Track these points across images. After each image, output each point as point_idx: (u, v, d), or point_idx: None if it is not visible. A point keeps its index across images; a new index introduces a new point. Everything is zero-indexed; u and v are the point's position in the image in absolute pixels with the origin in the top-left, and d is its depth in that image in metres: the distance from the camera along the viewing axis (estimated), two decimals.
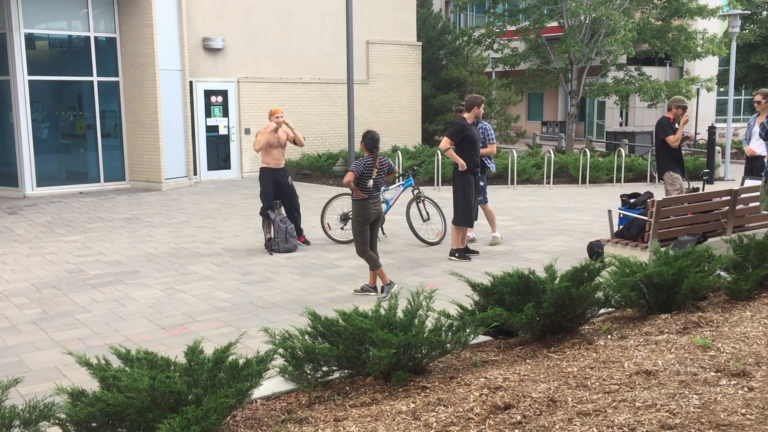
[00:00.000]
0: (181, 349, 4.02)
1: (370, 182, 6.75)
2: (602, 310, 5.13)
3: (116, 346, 3.65)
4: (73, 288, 7.28)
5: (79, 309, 6.54)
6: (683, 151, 9.59)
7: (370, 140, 6.79)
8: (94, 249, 9.19)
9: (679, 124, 8.47)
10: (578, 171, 16.50)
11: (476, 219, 8.60)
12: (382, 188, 7.17)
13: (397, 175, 9.14)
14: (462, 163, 8.22)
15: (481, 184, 8.96)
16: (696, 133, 27.42)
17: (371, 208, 6.77)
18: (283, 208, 9.13)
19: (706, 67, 26.10)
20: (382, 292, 6.83)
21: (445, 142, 8.35)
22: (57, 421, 3.26)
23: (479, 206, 8.86)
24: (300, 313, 5.98)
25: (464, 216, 8.32)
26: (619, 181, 16.58)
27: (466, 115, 8.38)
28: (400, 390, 3.86)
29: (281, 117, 9.11)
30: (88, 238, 9.96)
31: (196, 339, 3.79)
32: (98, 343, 5.56)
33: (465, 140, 8.24)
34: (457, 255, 8.38)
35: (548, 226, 10.58)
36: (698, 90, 22.75)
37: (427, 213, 9.42)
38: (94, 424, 3.22)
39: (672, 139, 8.40)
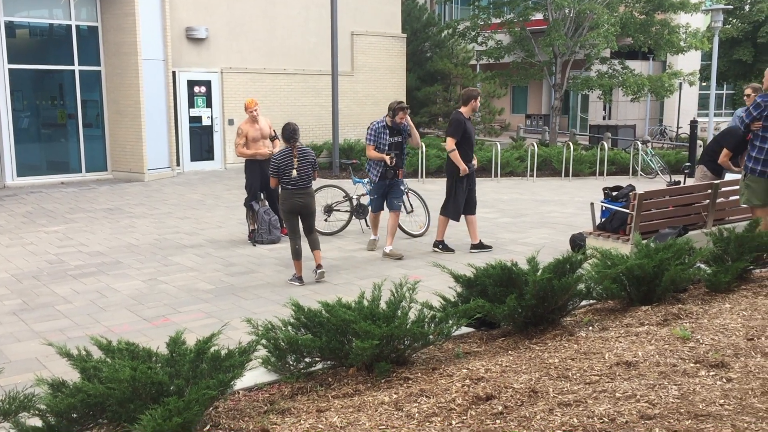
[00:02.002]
0: (163, 340, 4.00)
1: (294, 173, 6.92)
2: (584, 302, 5.16)
3: (97, 337, 3.62)
4: (54, 279, 7.22)
5: (59, 300, 6.48)
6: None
7: (289, 132, 7.00)
8: (76, 240, 9.12)
9: None
10: (561, 164, 16.58)
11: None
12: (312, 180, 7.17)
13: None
14: (464, 169, 8.18)
15: None
16: (678, 127, 27.65)
17: (295, 199, 6.96)
18: (266, 200, 9.10)
19: (688, 62, 26.30)
20: (299, 281, 7.02)
21: (450, 143, 8.17)
22: (37, 412, 3.23)
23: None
24: (283, 304, 5.98)
25: (454, 209, 8.31)
26: (602, 174, 16.69)
27: (462, 108, 8.32)
28: (383, 381, 3.87)
29: (255, 111, 8.94)
30: (69, 228, 9.87)
31: (178, 330, 3.77)
32: (79, 334, 5.52)
33: (462, 136, 8.19)
34: (440, 246, 8.39)
35: (531, 218, 10.64)
36: (681, 84, 22.92)
37: (411, 205, 9.43)
38: (75, 415, 3.19)
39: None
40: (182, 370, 3.39)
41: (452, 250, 8.38)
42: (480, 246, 8.40)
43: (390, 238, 8.26)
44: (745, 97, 8.60)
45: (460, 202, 8.32)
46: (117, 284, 7.00)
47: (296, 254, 7.03)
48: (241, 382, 3.90)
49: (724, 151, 7.91)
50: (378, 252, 8.41)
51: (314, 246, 7.26)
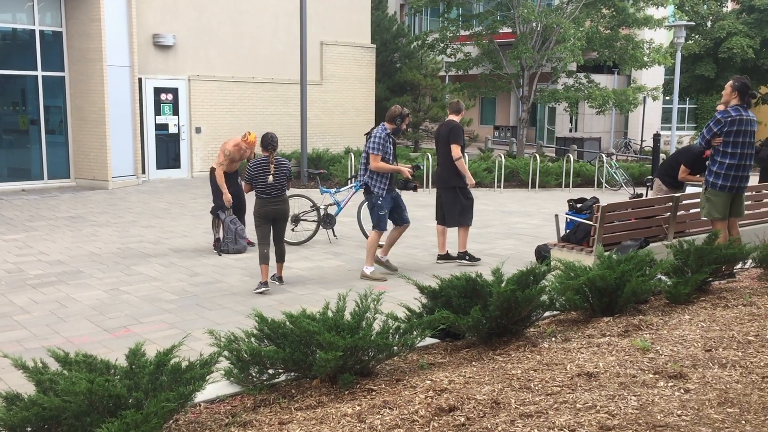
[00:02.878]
0: (123, 351, 3.93)
1: (270, 178, 6.99)
2: (547, 313, 5.21)
3: (54, 349, 3.55)
4: (12, 288, 7.06)
5: (17, 310, 6.34)
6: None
7: (267, 140, 7.13)
8: (36, 248, 8.93)
9: None
10: (528, 175, 16.76)
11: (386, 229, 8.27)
12: (285, 188, 7.23)
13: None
14: (471, 180, 8.14)
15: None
16: (642, 140, 28.15)
17: (269, 206, 7.05)
18: (232, 209, 9.03)
19: (652, 76, 26.83)
20: (263, 286, 6.99)
21: (457, 149, 8.02)
22: None
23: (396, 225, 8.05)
24: (247, 315, 5.92)
25: (469, 216, 8.26)
26: (567, 186, 16.91)
27: (456, 117, 8.31)
28: (347, 393, 3.85)
29: (252, 150, 8.85)
30: (29, 236, 9.67)
31: (138, 341, 3.71)
32: (37, 345, 5.40)
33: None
34: (467, 257, 8.35)
35: (498, 229, 10.72)
36: (645, 98, 23.36)
37: None
38: (29, 429, 3.12)
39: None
40: (141, 383, 3.33)
41: (478, 259, 8.31)
42: (447, 257, 8.42)
43: (370, 258, 7.69)
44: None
45: (470, 208, 8.25)
46: (77, 294, 6.87)
47: (264, 258, 7.07)
48: (203, 395, 3.85)
49: (682, 168, 8.18)
50: (344, 262, 8.38)
51: (280, 258, 7.31)
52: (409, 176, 7.82)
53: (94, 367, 3.39)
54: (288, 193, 7.58)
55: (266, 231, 7.15)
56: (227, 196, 8.65)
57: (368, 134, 7.73)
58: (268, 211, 7.08)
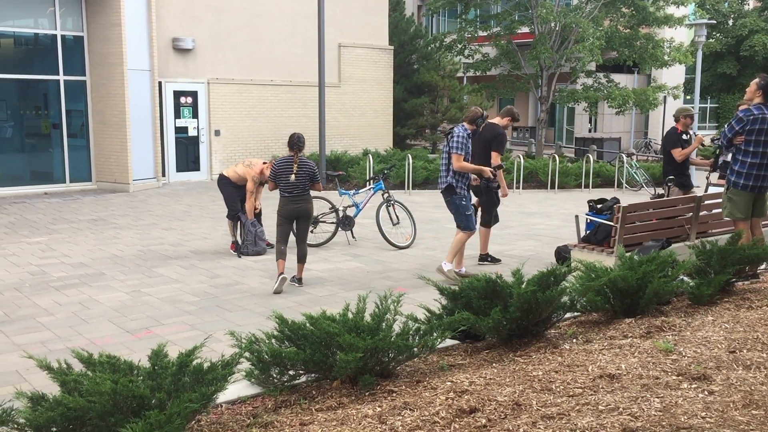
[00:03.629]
0: (145, 352, 3.97)
1: (292, 177, 7.10)
2: (568, 314, 5.18)
3: (78, 350, 3.59)
4: (36, 290, 7.15)
5: (41, 312, 6.42)
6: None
7: (293, 140, 7.24)
8: (59, 251, 9.04)
9: (687, 134, 8.52)
10: (547, 176, 16.67)
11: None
12: (306, 188, 7.29)
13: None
14: (505, 191, 8.25)
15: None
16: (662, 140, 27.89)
17: (290, 205, 7.19)
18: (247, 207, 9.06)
19: (673, 75, 26.58)
20: (288, 280, 7.27)
21: (498, 157, 8.11)
22: (16, 426, 3.19)
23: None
24: (267, 317, 5.94)
25: (493, 216, 8.34)
26: (587, 186, 16.80)
27: (503, 122, 8.29)
28: (367, 394, 3.85)
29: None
30: (52, 239, 9.79)
31: (161, 342, 3.74)
32: (60, 346, 5.46)
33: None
34: (489, 259, 8.38)
35: (517, 230, 10.67)
36: (665, 98, 23.15)
37: (397, 217, 9.44)
38: (54, 429, 3.16)
39: (677, 153, 8.43)
40: (164, 383, 3.36)
41: (499, 260, 8.39)
42: (488, 258, 8.44)
43: (453, 255, 7.62)
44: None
45: (492, 210, 8.34)
46: (100, 296, 6.94)
47: (280, 254, 7.24)
48: (224, 395, 3.87)
49: (675, 152, 8.32)
50: (364, 264, 8.40)
51: (301, 259, 7.38)
52: (491, 176, 7.75)
53: (117, 368, 3.43)
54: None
55: (286, 230, 7.30)
56: (251, 205, 8.78)
57: (448, 134, 7.56)
58: (290, 210, 7.21)
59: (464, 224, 7.56)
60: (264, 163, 8.87)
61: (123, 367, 3.44)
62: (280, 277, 7.08)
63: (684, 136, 8.55)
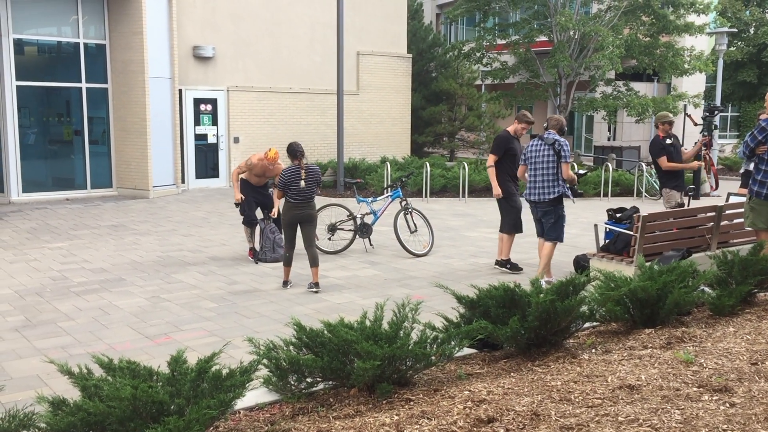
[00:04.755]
0: (164, 358, 4.00)
1: (302, 183, 7.30)
2: (587, 324, 5.14)
3: (98, 355, 3.62)
4: (57, 295, 7.22)
5: (62, 317, 6.48)
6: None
7: (293, 149, 7.49)
8: (79, 256, 9.13)
9: (671, 139, 8.53)
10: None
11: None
12: (314, 195, 7.54)
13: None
14: (497, 191, 8.28)
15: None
16: (683, 149, 27.65)
17: (295, 211, 7.39)
18: (270, 219, 9.11)
19: (693, 84, 26.36)
20: (285, 285, 7.56)
21: (491, 159, 8.38)
22: (37, 430, 3.23)
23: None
24: (286, 324, 5.96)
25: (514, 223, 8.35)
26: (606, 195, 16.69)
27: (509, 127, 8.44)
28: (384, 402, 3.85)
29: (274, 165, 8.71)
30: (73, 245, 9.89)
31: (180, 348, 3.76)
32: (81, 351, 5.51)
33: (505, 154, 8.32)
34: (509, 266, 8.35)
35: (535, 239, 10.61)
36: (685, 106, 22.97)
37: (415, 225, 9.44)
38: None
39: (664, 163, 8.43)
40: (183, 389, 3.38)
41: (521, 269, 8.30)
42: (508, 264, 8.39)
43: (547, 268, 7.69)
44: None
45: (517, 215, 8.35)
46: (120, 301, 7.00)
47: (287, 261, 7.55)
48: (242, 402, 3.89)
49: (661, 161, 8.37)
50: (381, 272, 8.40)
51: (313, 263, 7.46)
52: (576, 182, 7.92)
53: (137, 374, 3.45)
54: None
55: (292, 235, 7.50)
56: (237, 196, 8.85)
57: (540, 140, 7.60)
58: (294, 215, 7.40)
59: (559, 234, 7.68)
60: (266, 153, 8.84)
61: (143, 373, 3.46)
62: (284, 283, 7.50)
63: (668, 141, 8.55)
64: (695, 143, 8.89)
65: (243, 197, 8.88)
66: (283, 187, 7.40)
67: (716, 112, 9.27)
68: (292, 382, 4.03)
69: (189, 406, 3.27)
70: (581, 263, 7.93)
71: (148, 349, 5.60)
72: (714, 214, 7.53)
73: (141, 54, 14.48)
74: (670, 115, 8.77)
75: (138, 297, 7.18)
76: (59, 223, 11.78)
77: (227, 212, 13.07)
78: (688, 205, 9.05)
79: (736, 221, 7.80)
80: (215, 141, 16.81)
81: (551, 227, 7.62)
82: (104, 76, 15.14)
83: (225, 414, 3.47)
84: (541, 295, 4.50)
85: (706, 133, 9.30)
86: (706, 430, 3.04)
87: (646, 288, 4.90)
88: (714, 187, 9.13)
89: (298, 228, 7.54)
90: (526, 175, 7.70)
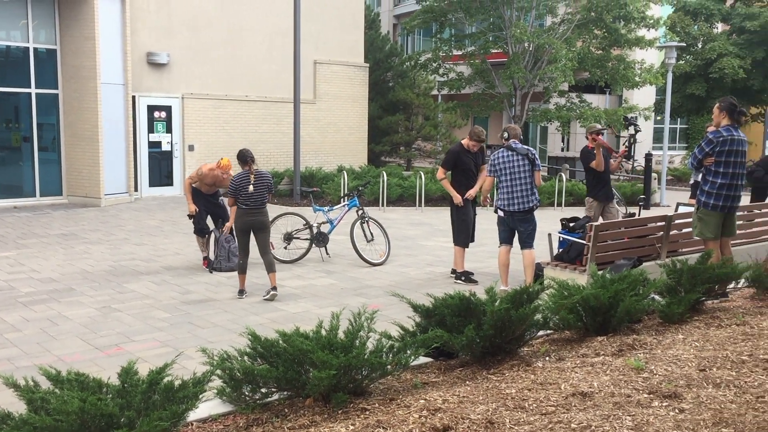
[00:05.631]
0: (115, 370, 3.90)
1: (250, 188, 7.31)
2: (541, 332, 5.20)
3: (46, 367, 3.52)
4: (4, 306, 7.00)
5: (8, 328, 6.28)
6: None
7: (243, 156, 7.50)
8: (27, 266, 8.88)
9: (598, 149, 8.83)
10: None
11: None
12: (266, 201, 7.56)
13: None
14: (458, 199, 8.35)
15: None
16: (634, 160, 28.30)
17: (247, 217, 7.38)
18: (225, 226, 9.00)
19: (644, 96, 27.04)
20: (240, 294, 7.51)
21: (440, 172, 8.54)
22: None
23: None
24: (240, 334, 5.89)
25: (460, 236, 8.40)
26: (560, 205, 16.96)
27: (464, 140, 8.51)
28: (340, 412, 3.82)
29: (226, 174, 8.62)
30: (20, 254, 9.61)
31: (131, 360, 3.68)
32: (28, 363, 5.35)
33: (455, 166, 8.43)
34: (463, 278, 8.37)
35: (490, 247, 10.71)
36: (636, 118, 23.53)
37: (371, 234, 9.44)
38: None
39: (595, 163, 8.74)
40: (134, 402, 3.31)
41: (475, 282, 8.26)
42: (462, 276, 8.41)
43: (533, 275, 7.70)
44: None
45: (463, 229, 8.39)
46: (69, 312, 6.82)
47: (241, 269, 7.52)
48: (195, 413, 3.82)
49: (593, 163, 8.66)
50: (337, 281, 8.37)
51: (270, 269, 7.49)
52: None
53: (86, 386, 3.36)
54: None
55: (245, 242, 7.50)
56: (191, 207, 8.74)
57: (509, 152, 7.63)
58: (246, 222, 7.39)
59: (533, 241, 7.75)
60: (218, 163, 8.77)
61: (92, 385, 3.38)
62: (240, 292, 7.46)
63: (594, 151, 8.83)
64: (615, 157, 9.20)
65: (197, 209, 8.76)
66: (234, 193, 7.41)
67: (633, 126, 9.66)
68: (247, 393, 3.98)
69: (140, 419, 3.20)
70: (536, 272, 8.02)
71: (99, 361, 5.47)
72: (664, 223, 7.71)
73: (93, 59, 14.20)
74: (598, 125, 9.10)
75: (88, 307, 7.00)
76: (6, 231, 11.44)
77: (181, 221, 12.87)
78: (639, 215, 9.26)
79: (685, 231, 8.01)
80: (169, 148, 16.56)
81: (529, 234, 7.71)
82: (55, 82, 14.79)
83: (177, 426, 3.40)
84: (496, 304, 4.54)
85: (626, 145, 9.71)
86: None
87: (598, 296, 4.99)
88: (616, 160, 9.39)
89: (252, 235, 7.49)
90: (501, 186, 7.67)
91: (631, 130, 9.77)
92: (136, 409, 3.25)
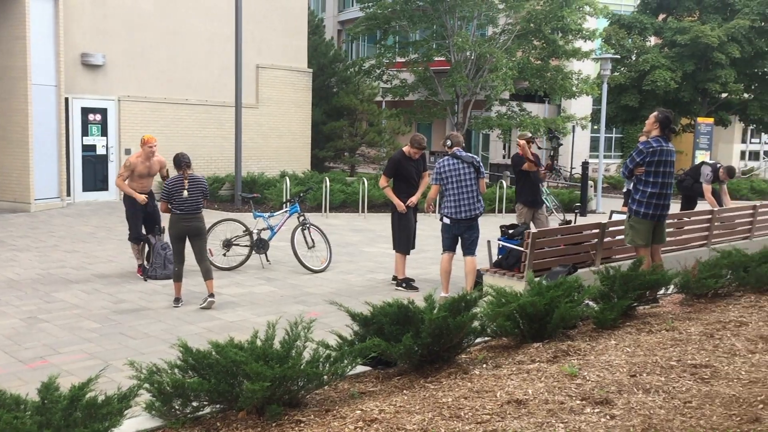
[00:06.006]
0: (39, 384, 3.72)
1: (185, 193, 7.19)
2: (479, 339, 5.22)
3: None
4: None
5: None
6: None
7: (179, 160, 7.30)
8: None
9: (534, 156, 9.12)
10: None
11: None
12: (201, 206, 7.43)
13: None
14: (401, 206, 8.35)
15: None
16: (572, 168, 28.93)
17: (181, 223, 7.23)
18: (165, 234, 8.76)
19: (581, 106, 27.70)
20: (176, 303, 7.32)
21: (382, 180, 8.58)
22: None
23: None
24: (172, 345, 5.73)
25: (400, 243, 8.38)
26: (500, 211, 17.17)
27: (407, 149, 8.49)
28: (274, 425, 3.74)
29: (154, 147, 8.63)
30: None
31: (52, 374, 3.52)
32: None
33: (397, 173, 8.45)
34: (404, 285, 8.33)
35: (432, 254, 10.75)
36: (574, 127, 24.07)
37: (313, 240, 9.35)
38: None
39: (527, 166, 9.01)
40: (54, 419, 3.16)
41: (416, 289, 8.22)
42: (403, 283, 8.39)
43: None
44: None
45: (404, 236, 8.37)
46: None
47: (177, 277, 7.33)
48: (122, 429, 3.67)
49: (525, 166, 9.01)
50: (277, 288, 8.25)
51: (207, 276, 7.36)
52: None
53: (2, 403, 3.19)
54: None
55: (180, 249, 7.35)
56: (141, 197, 8.53)
57: (454, 160, 7.63)
58: (181, 228, 7.25)
59: (475, 248, 7.74)
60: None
61: (8, 402, 3.21)
62: (176, 300, 7.28)
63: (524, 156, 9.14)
64: (542, 171, 9.53)
65: (147, 198, 8.57)
66: (167, 198, 7.26)
67: (553, 137, 10.01)
68: (177, 407, 3.85)
69: None
70: (475, 279, 8.07)
71: (22, 374, 5.23)
72: (598, 231, 7.87)
73: (24, 60, 13.69)
74: (529, 133, 9.35)
75: (12, 318, 6.70)
76: None
77: (116, 227, 12.50)
78: (575, 222, 9.43)
79: (618, 238, 8.19)
80: (105, 152, 16.08)
81: (473, 241, 7.74)
82: None
83: None
84: (434, 312, 4.53)
85: (550, 157, 10.00)
86: None
87: (534, 303, 5.04)
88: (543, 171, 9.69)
89: (189, 242, 7.32)
90: (447, 194, 7.65)
91: (554, 143, 10.03)
92: (55, 427, 3.10)
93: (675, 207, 8.91)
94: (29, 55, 13.71)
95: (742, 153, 36.65)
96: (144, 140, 8.60)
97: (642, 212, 6.71)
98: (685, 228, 9.18)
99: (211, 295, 7.29)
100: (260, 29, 18.68)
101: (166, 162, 8.81)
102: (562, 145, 10.26)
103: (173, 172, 7.51)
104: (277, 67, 19.28)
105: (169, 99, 17.04)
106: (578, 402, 3.68)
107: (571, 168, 28.96)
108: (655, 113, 6.78)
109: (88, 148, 15.79)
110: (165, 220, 7.92)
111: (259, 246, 9.29)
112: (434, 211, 9.02)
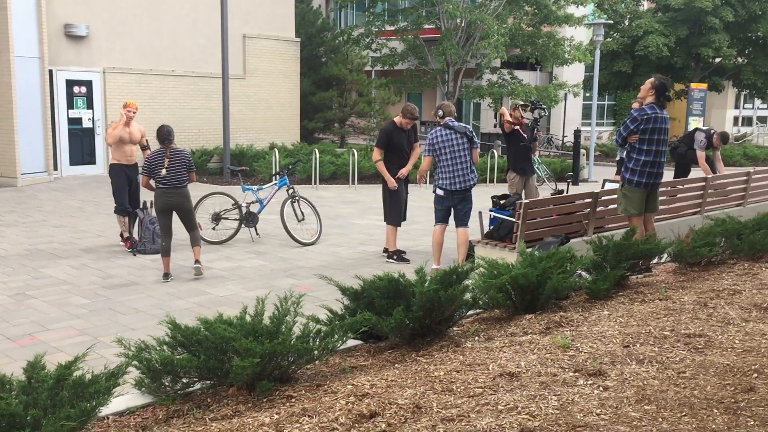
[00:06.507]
0: (27, 361, 3.66)
1: (163, 171, 7.12)
2: (471, 312, 5.19)
3: None
4: None
5: None
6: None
7: (163, 134, 7.23)
8: None
9: (531, 124, 9.19)
10: None
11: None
12: (185, 180, 7.35)
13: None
14: (392, 183, 8.26)
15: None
16: (564, 136, 28.83)
17: (164, 198, 7.20)
18: (153, 208, 8.66)
19: (573, 73, 27.51)
20: (165, 278, 7.24)
21: (376, 153, 8.41)
22: None
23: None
24: (160, 321, 5.68)
25: (393, 215, 8.32)
26: (492, 181, 17.11)
27: (397, 119, 8.36)
28: (265, 400, 3.70)
29: (132, 111, 8.53)
30: None
31: (40, 352, 3.46)
32: None
33: (389, 145, 8.31)
34: (395, 257, 8.27)
35: (423, 225, 10.70)
36: (566, 95, 23.93)
37: (302, 213, 9.27)
38: None
39: (507, 126, 9.13)
40: (40, 399, 3.11)
41: (407, 261, 8.17)
42: (395, 255, 8.33)
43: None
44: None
45: (395, 208, 8.30)
46: None
47: (165, 252, 7.30)
48: (112, 406, 3.63)
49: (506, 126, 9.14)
50: (267, 262, 8.19)
51: (194, 243, 7.45)
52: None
53: None
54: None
55: (166, 223, 7.33)
56: (129, 128, 8.50)
57: (448, 130, 7.42)
58: (165, 203, 7.24)
59: (468, 220, 7.65)
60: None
61: None
62: (165, 275, 7.23)
63: (515, 126, 9.16)
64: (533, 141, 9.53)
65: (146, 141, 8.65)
66: (148, 173, 7.26)
67: (535, 108, 9.92)
68: (167, 384, 3.81)
69: (46, 418, 3.00)
70: (467, 250, 8.03)
71: (10, 352, 5.17)
72: (590, 200, 7.82)
73: (5, 31, 13.40)
74: (519, 102, 9.30)
75: (0, 294, 6.62)
76: None
77: (104, 201, 12.37)
78: (568, 191, 9.38)
79: (611, 207, 8.15)
80: (91, 125, 15.85)
81: (466, 213, 7.64)
82: None
83: (86, 424, 3.21)
84: (425, 285, 4.48)
85: (533, 126, 9.84)
86: (581, 415, 3.10)
87: (527, 274, 5.00)
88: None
89: (176, 215, 7.29)
90: (441, 165, 7.51)
91: (536, 114, 9.90)
92: (42, 407, 3.05)
93: (668, 174, 8.87)
94: (11, 26, 13.42)
95: (735, 119, 36.63)
96: (126, 104, 8.61)
97: (635, 181, 6.66)
98: (679, 196, 9.15)
99: (197, 261, 7.31)
100: None
101: (145, 132, 8.77)
102: (544, 116, 10.08)
103: (154, 144, 7.41)
104: (264, 36, 18.98)
105: (155, 70, 16.77)
106: (571, 374, 3.65)
107: (563, 136, 28.86)
108: (651, 79, 6.68)
109: (74, 122, 15.55)
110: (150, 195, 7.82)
111: (249, 219, 9.20)
112: (426, 182, 8.93)
